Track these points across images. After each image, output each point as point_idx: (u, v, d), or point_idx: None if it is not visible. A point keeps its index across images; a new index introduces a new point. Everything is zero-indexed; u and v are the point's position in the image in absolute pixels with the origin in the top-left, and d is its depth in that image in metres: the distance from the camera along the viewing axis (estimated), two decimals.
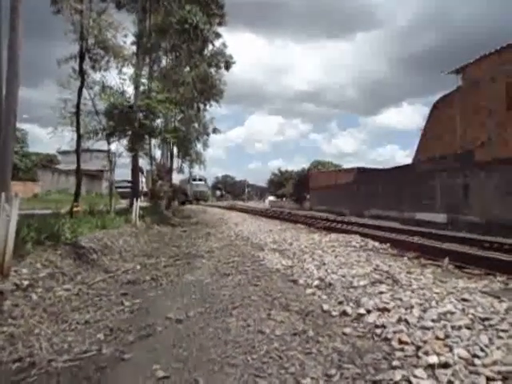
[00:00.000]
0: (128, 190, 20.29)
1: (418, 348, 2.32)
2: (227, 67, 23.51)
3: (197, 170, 35.44)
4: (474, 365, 2.06)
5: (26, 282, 3.63)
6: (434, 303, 2.97)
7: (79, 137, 10.91)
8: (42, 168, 40.06)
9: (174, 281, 4.79)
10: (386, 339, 2.54)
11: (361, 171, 26.04)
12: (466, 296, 3.14)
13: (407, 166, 20.06)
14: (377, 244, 6.76)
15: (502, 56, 12.99)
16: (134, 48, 15.51)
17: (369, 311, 3.03)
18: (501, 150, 12.94)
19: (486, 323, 2.55)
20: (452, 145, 15.50)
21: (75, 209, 9.28)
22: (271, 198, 60.58)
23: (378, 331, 2.67)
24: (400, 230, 9.90)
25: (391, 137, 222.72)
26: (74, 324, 3.10)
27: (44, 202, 18.09)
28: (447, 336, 2.40)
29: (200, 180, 46.88)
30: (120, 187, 25.98)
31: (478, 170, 13.96)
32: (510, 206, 12.26)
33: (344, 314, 3.11)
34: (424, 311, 2.83)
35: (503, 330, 2.42)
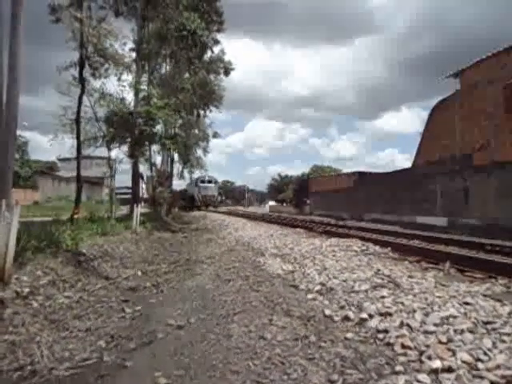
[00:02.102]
0: (128, 196, 20.29)
1: (421, 352, 2.31)
2: (226, 73, 23.64)
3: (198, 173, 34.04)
4: (477, 369, 2.05)
5: (26, 290, 3.62)
6: (436, 307, 2.96)
7: (79, 144, 10.95)
8: (42, 175, 40.11)
9: (175, 287, 4.78)
10: (389, 344, 2.52)
11: (360, 175, 26.04)
12: (468, 300, 3.12)
13: (407, 169, 20.07)
14: (377, 248, 6.74)
15: (500, 59, 13.06)
16: (134, 55, 15.62)
17: (371, 316, 3.02)
18: (499, 152, 12.97)
19: (489, 327, 2.53)
20: (451, 148, 15.52)
21: (75, 216, 9.29)
22: (271, 203, 60.54)
23: (381, 336, 2.66)
24: (400, 233, 9.88)
25: (390, 141, 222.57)
26: (75, 331, 3.08)
27: (44, 209, 18.09)
28: (450, 340, 2.39)
29: (209, 182, 39.47)
30: (120, 194, 25.94)
31: (477, 173, 13.97)
32: (509, 208, 12.26)
33: (346, 318, 3.09)
34: (426, 315, 2.82)
35: (506, 334, 2.40)
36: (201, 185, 38.29)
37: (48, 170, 44.53)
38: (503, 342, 2.31)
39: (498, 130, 13.14)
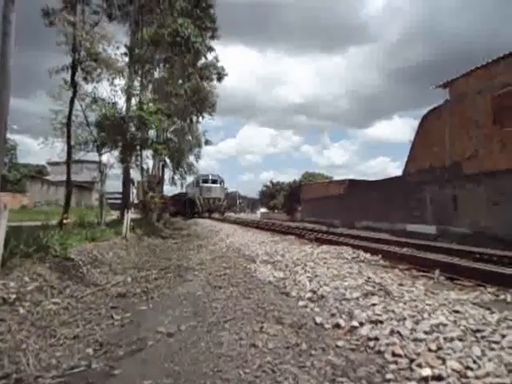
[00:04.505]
0: (119, 201, 20.11)
1: (412, 360, 2.32)
2: (219, 79, 23.76)
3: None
4: (466, 377, 2.06)
5: (13, 296, 3.55)
6: (426, 315, 2.98)
7: (70, 148, 10.84)
8: (31, 179, 39.57)
9: (165, 294, 4.74)
10: (379, 352, 2.53)
11: (352, 183, 26.24)
12: (458, 308, 3.15)
13: (397, 177, 20.27)
14: (368, 256, 6.77)
15: (489, 71, 13.33)
16: (126, 59, 15.59)
17: (362, 323, 3.02)
18: (487, 162, 13.18)
19: (478, 335, 2.55)
20: (441, 157, 15.74)
21: (65, 221, 9.17)
22: (262, 209, 60.46)
23: (371, 344, 2.66)
24: (391, 241, 9.94)
25: (382, 149, 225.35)
26: (63, 339, 3.03)
27: (33, 214, 17.82)
28: (440, 348, 2.40)
29: (214, 182, 31.66)
30: (111, 199, 25.58)
31: (465, 181, 14.17)
32: (497, 217, 12.44)
33: (337, 326, 3.10)
34: (416, 323, 2.83)
35: (495, 342, 2.42)
36: (203, 185, 30.79)
37: (37, 173, 43.97)
38: (492, 349, 2.33)
39: (486, 139, 13.38)
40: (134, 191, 21.37)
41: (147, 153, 16.25)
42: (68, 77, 10.90)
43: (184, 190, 33.90)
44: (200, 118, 26.40)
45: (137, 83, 16.09)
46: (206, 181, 31.02)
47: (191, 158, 27.83)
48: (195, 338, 3.01)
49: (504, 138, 12.65)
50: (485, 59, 13.34)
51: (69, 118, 10.69)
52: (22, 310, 3.42)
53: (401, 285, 4.19)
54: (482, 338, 2.51)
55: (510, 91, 12.43)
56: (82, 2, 11.48)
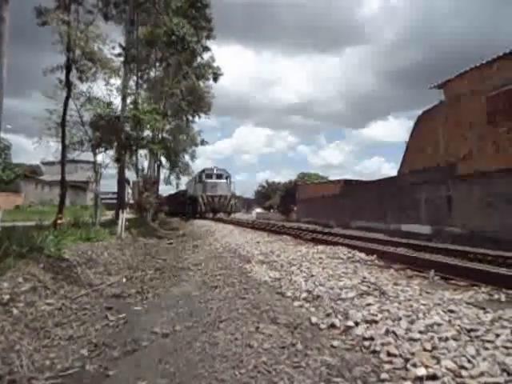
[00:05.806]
0: (114, 201, 20.01)
1: (407, 360, 2.32)
2: (215, 79, 23.76)
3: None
4: (461, 376, 2.07)
5: (6, 297, 3.53)
6: (421, 315, 2.99)
7: (64, 147, 10.78)
8: (25, 179, 39.29)
9: (161, 294, 4.72)
10: (375, 352, 2.53)
11: (347, 183, 26.30)
12: (452, 307, 3.16)
13: (392, 178, 20.34)
14: (363, 255, 6.78)
15: (483, 72, 13.42)
16: (122, 59, 15.53)
17: (357, 323, 3.02)
18: (482, 162, 13.27)
19: (472, 334, 2.57)
20: (435, 157, 15.82)
21: (59, 221, 9.12)
22: (258, 209, 60.43)
23: (367, 343, 2.66)
24: (386, 241, 9.98)
25: (377, 149, 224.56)
26: (57, 340, 3.01)
27: (27, 214, 17.72)
28: (434, 348, 2.41)
29: (219, 177, 27.21)
30: (106, 199, 25.35)
31: (460, 182, 14.26)
32: (491, 217, 12.53)
33: (332, 326, 3.10)
34: (411, 323, 2.84)
35: (489, 341, 2.44)
36: (207, 181, 26.36)
37: (31, 173, 43.66)
38: (486, 349, 2.34)
39: (481, 140, 13.46)
40: (130, 191, 21.30)
41: (142, 152, 16.23)
42: (63, 76, 10.84)
43: (185, 188, 31.91)
44: (196, 118, 26.45)
45: (132, 82, 16.07)
46: (210, 176, 26.71)
47: (186, 158, 27.82)
48: (190, 338, 3.00)
49: (498, 138, 12.74)
50: (479, 60, 13.45)
51: (63, 117, 10.63)
52: (15, 311, 3.39)
53: (396, 285, 4.20)
54: (477, 337, 2.53)
55: (504, 92, 12.53)
56: (75, 1, 11.40)
